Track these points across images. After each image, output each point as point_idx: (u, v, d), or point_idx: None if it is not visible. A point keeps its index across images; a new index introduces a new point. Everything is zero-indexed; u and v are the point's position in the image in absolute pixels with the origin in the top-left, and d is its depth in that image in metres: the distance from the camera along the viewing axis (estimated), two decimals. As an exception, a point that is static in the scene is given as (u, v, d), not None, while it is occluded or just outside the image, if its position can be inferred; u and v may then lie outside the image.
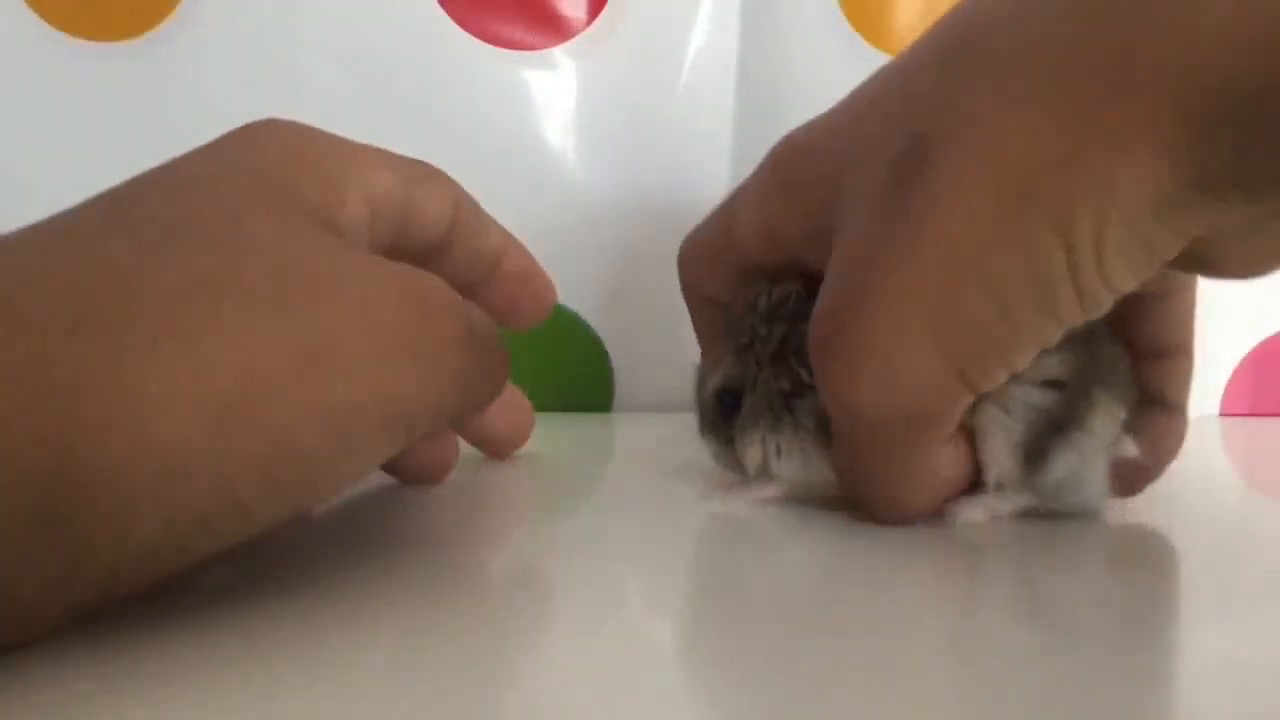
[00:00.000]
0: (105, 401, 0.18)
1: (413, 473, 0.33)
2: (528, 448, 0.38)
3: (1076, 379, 0.27)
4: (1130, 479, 0.29)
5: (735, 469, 0.31)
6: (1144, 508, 0.33)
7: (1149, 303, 0.28)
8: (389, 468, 0.33)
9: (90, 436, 0.17)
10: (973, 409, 0.26)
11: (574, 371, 0.48)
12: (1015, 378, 0.26)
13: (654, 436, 0.43)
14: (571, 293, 0.46)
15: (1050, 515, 0.29)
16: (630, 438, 0.43)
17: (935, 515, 0.28)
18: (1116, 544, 0.29)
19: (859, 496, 0.28)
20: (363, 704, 0.18)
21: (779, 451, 0.29)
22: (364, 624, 0.22)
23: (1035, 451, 0.27)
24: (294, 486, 0.20)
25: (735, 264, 0.30)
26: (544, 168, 0.45)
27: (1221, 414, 0.49)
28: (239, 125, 0.24)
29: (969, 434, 0.27)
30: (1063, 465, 0.27)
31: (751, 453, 0.30)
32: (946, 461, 0.27)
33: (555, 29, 0.44)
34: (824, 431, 0.28)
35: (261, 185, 0.22)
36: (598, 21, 0.44)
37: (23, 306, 0.18)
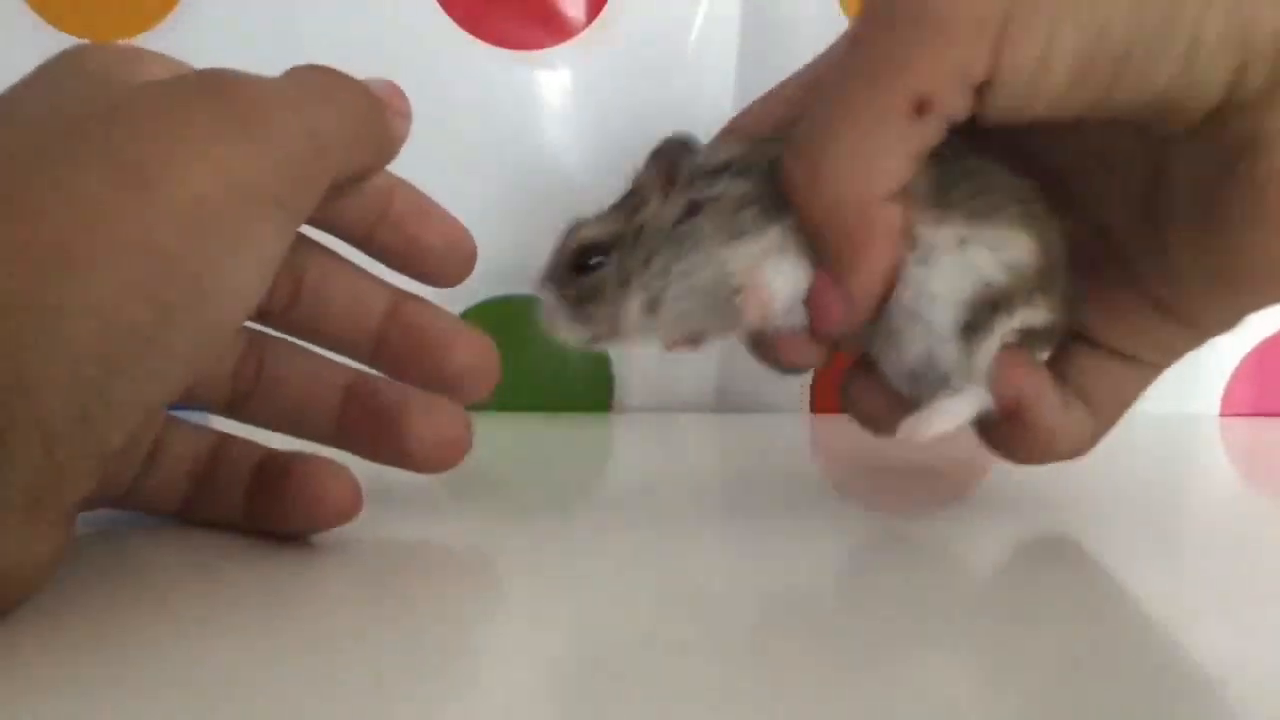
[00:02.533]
0: None
1: (422, 456, 0.28)
2: (528, 449, 0.38)
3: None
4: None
5: (578, 325, 0.29)
6: (1144, 507, 0.33)
7: (1116, 365, 0.27)
8: (394, 458, 0.29)
9: None
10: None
11: (574, 371, 0.47)
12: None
13: (654, 437, 0.43)
14: (571, 293, 0.46)
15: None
16: (630, 438, 0.43)
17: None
18: (1115, 543, 0.29)
19: (800, 173, 0.24)
20: (353, 704, 0.18)
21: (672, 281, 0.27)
22: (353, 623, 0.22)
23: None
24: (182, 298, 0.19)
25: None
26: (544, 168, 0.45)
27: (1221, 414, 0.49)
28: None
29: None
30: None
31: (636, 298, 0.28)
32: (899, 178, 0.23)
33: (555, 29, 0.44)
34: (724, 233, 0.26)
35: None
36: (598, 21, 0.44)
37: None
